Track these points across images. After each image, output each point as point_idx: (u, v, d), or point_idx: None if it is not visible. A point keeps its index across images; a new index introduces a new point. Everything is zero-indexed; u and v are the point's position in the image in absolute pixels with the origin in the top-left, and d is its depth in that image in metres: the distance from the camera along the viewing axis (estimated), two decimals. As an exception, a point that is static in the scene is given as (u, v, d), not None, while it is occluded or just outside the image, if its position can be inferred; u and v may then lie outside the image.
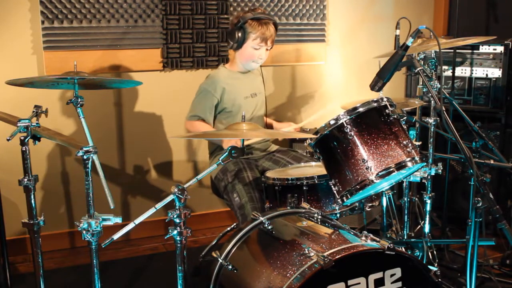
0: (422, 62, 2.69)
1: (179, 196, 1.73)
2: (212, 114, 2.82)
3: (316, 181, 2.37)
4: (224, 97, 2.79)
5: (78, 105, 2.14)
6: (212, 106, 2.80)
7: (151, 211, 1.77)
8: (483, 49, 3.36)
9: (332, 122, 2.05)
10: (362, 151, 2.01)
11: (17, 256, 3.14)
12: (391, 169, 2.00)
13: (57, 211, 3.30)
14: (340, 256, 1.71)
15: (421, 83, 2.82)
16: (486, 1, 3.69)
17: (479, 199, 1.87)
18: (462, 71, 3.44)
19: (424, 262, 2.58)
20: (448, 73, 3.40)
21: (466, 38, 2.76)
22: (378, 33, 3.89)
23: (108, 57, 3.22)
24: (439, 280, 1.85)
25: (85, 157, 1.85)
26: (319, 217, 2.10)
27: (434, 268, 1.85)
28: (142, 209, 1.79)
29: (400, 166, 2.01)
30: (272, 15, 3.52)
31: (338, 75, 3.89)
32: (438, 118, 2.53)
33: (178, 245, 1.78)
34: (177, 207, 1.75)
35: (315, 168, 2.60)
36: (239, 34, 2.70)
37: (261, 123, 2.95)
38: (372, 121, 2.05)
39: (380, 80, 2.15)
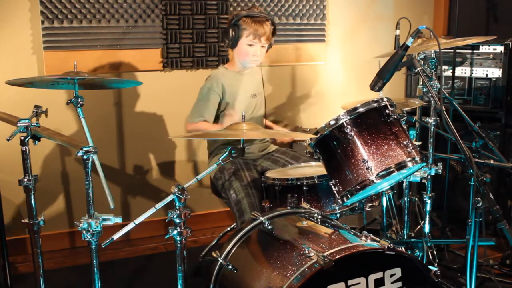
0: (422, 62, 2.69)
1: (179, 196, 1.74)
2: (215, 113, 2.81)
3: (316, 181, 2.37)
4: (225, 95, 2.79)
5: (78, 105, 2.14)
6: (215, 104, 2.78)
7: (151, 211, 1.77)
8: (483, 49, 3.36)
9: (332, 122, 2.05)
10: (362, 151, 2.01)
11: (17, 256, 3.13)
12: (391, 169, 2.00)
13: (57, 211, 3.30)
14: (340, 256, 1.71)
15: (421, 83, 2.82)
16: (486, 1, 3.69)
17: (479, 199, 1.87)
18: (462, 71, 3.44)
19: (424, 262, 2.58)
20: (448, 73, 3.40)
21: (466, 38, 2.76)
22: (378, 33, 3.89)
23: (108, 57, 3.22)
24: (439, 280, 1.85)
25: (85, 157, 1.85)
26: (319, 217, 2.10)
27: (434, 268, 1.85)
28: (142, 209, 1.78)
29: (401, 166, 2.01)
30: (272, 15, 3.53)
31: (338, 75, 3.89)
32: (438, 118, 2.53)
33: (178, 245, 1.78)
34: (177, 207, 1.75)
35: (315, 168, 2.60)
36: (233, 32, 2.71)
37: (261, 123, 2.94)
38: (372, 121, 2.05)
39: (380, 80, 2.15)
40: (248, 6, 3.45)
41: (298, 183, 2.38)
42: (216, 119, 2.83)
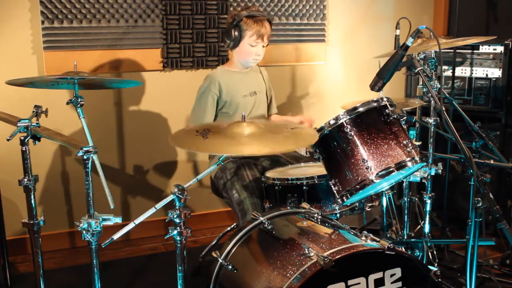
0: (422, 62, 2.69)
1: (179, 196, 1.73)
2: (214, 113, 2.81)
3: (316, 181, 2.37)
4: (223, 94, 2.79)
5: (78, 105, 2.14)
6: (213, 104, 2.78)
7: (151, 211, 1.77)
8: (483, 49, 3.36)
9: (332, 122, 2.05)
10: (362, 151, 2.01)
11: (17, 256, 3.13)
12: (391, 169, 1.99)
13: (57, 211, 3.30)
14: (340, 256, 1.71)
15: (421, 83, 2.82)
16: (486, 1, 3.69)
17: (479, 199, 1.87)
18: (462, 71, 3.44)
19: (424, 262, 2.58)
20: (448, 73, 3.40)
21: (466, 38, 2.76)
22: (378, 33, 3.89)
23: (108, 57, 3.22)
24: (439, 280, 1.85)
25: (85, 157, 1.85)
26: (319, 217, 2.10)
27: (434, 268, 1.85)
28: (142, 209, 1.79)
29: (400, 166, 2.01)
30: (272, 15, 3.54)
31: (338, 75, 3.89)
32: (438, 118, 2.53)
33: (178, 245, 1.78)
34: (177, 207, 1.75)
35: (315, 168, 2.60)
36: (236, 33, 2.72)
37: (261, 122, 2.94)
38: (372, 121, 2.05)
39: (380, 80, 2.15)
40: (247, 6, 3.44)
41: (298, 183, 2.37)
42: (215, 118, 2.83)
